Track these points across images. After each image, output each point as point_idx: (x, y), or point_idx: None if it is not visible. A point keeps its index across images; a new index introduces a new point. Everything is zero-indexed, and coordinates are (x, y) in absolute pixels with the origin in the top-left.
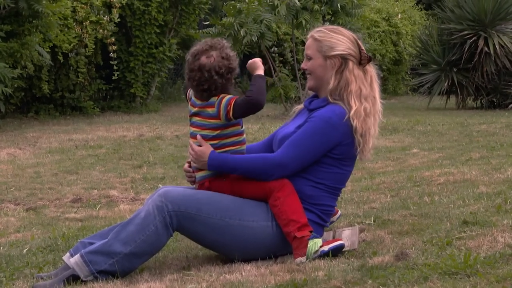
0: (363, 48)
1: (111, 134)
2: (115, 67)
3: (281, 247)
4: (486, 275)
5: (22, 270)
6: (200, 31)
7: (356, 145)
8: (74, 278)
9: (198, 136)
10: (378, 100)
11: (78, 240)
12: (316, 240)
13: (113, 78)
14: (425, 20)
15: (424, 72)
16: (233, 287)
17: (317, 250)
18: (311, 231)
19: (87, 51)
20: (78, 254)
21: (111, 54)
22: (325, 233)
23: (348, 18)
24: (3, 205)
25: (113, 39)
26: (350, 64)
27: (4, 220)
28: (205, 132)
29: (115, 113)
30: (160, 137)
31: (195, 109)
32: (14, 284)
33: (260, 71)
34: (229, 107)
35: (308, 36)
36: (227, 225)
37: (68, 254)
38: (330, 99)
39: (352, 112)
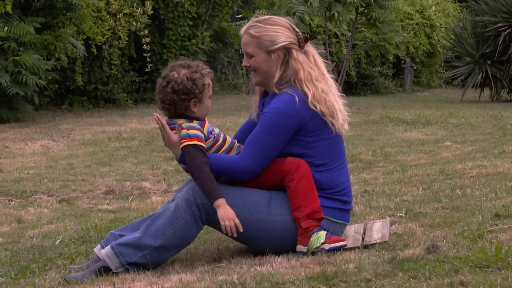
0: (298, 30)
1: (144, 126)
2: (148, 59)
3: None
4: None
5: (55, 261)
6: (233, 23)
7: (326, 122)
8: (106, 269)
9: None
10: (327, 75)
11: (109, 231)
12: (320, 234)
13: (146, 70)
14: (459, 12)
15: (457, 65)
16: (263, 279)
17: (318, 246)
18: (320, 219)
19: (120, 44)
20: (109, 246)
21: (144, 47)
22: (356, 225)
23: (381, 10)
24: (36, 196)
25: (146, 32)
26: (294, 52)
27: (37, 211)
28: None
29: (148, 105)
30: None
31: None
32: (47, 275)
33: (222, 208)
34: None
35: (242, 33)
36: (255, 219)
37: (99, 246)
38: (276, 91)
39: (310, 97)
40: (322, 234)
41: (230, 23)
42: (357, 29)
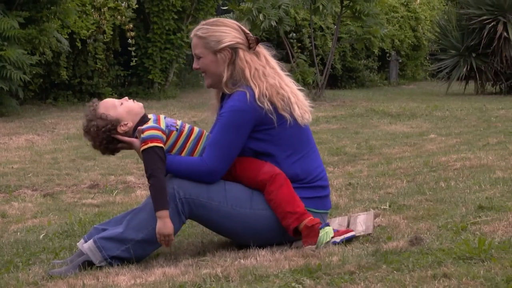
0: (249, 33)
1: None
2: (133, 54)
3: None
4: (501, 260)
5: (39, 255)
6: (218, 16)
7: (282, 114)
8: (89, 263)
9: (139, 127)
10: (282, 72)
11: (93, 226)
12: (327, 229)
13: (131, 64)
14: (444, 5)
15: (442, 58)
16: (247, 272)
17: (328, 241)
18: (319, 222)
19: (105, 38)
20: (91, 240)
21: (129, 41)
22: (340, 218)
23: (367, 3)
24: (20, 190)
25: (131, 25)
26: (240, 52)
27: (21, 205)
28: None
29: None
30: None
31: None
32: (30, 269)
33: (160, 221)
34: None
35: (191, 36)
36: (238, 213)
37: (82, 240)
38: (228, 91)
39: (257, 93)
40: (330, 229)
41: (215, 16)
42: (342, 22)
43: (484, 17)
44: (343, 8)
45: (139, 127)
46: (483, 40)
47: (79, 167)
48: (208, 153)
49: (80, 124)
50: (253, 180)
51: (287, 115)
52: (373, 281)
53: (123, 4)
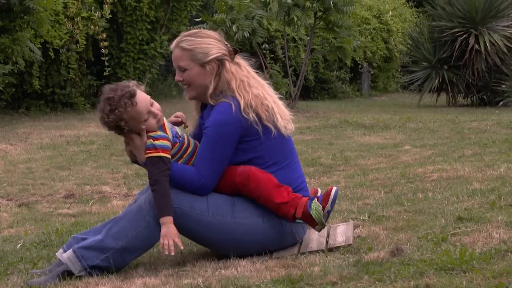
0: (227, 43)
1: (102, 130)
2: (106, 63)
3: (274, 242)
4: (482, 271)
5: (16, 265)
6: (192, 27)
7: (266, 125)
8: (68, 273)
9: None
10: (264, 82)
11: (72, 235)
12: (314, 205)
13: (104, 74)
14: (415, 17)
15: (414, 70)
16: (229, 283)
17: (324, 214)
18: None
19: (78, 47)
20: (71, 250)
21: (102, 50)
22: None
23: (340, 15)
24: None
25: (105, 35)
26: (227, 63)
27: None
28: None
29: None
30: None
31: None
32: (9, 279)
33: (165, 226)
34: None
35: (173, 47)
36: (219, 222)
37: (61, 250)
38: (212, 102)
39: (242, 105)
40: (315, 203)
41: (188, 27)
42: (315, 34)
43: (456, 30)
44: (317, 20)
45: (150, 133)
46: (455, 53)
47: (53, 176)
48: (200, 168)
49: (53, 134)
50: (231, 185)
51: (271, 126)
52: None
53: (96, 14)
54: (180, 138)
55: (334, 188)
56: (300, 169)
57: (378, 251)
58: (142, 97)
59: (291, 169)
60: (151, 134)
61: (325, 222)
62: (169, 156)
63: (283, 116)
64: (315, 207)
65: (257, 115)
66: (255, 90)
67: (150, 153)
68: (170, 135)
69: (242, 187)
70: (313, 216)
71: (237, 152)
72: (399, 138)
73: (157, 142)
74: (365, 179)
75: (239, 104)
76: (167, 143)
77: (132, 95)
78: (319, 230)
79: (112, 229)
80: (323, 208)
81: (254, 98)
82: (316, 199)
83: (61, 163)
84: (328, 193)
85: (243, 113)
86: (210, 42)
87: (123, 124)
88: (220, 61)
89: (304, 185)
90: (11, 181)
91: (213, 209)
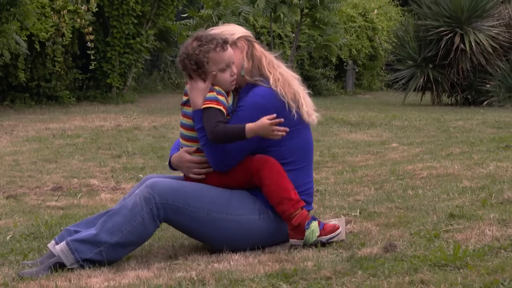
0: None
1: (88, 123)
2: (92, 57)
3: (268, 239)
4: (476, 268)
5: (7, 256)
6: (178, 22)
7: (292, 110)
8: (60, 265)
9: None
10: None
11: (62, 227)
12: (313, 226)
13: (90, 68)
14: (401, 16)
15: (399, 68)
16: (222, 276)
17: (314, 240)
18: (303, 208)
19: (64, 40)
20: (64, 242)
21: (88, 44)
22: None
23: (326, 12)
24: None
25: (91, 29)
26: (255, 44)
27: None
28: (183, 131)
29: (91, 103)
30: (138, 128)
31: (184, 98)
32: (0, 270)
33: (251, 128)
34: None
35: (228, 47)
36: (214, 219)
37: (53, 241)
38: (248, 78)
39: (271, 79)
40: (315, 226)
41: (174, 22)
42: (301, 31)
43: (442, 29)
44: (303, 17)
45: (215, 87)
46: (440, 52)
47: (41, 169)
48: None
49: (39, 127)
50: (245, 168)
51: (296, 111)
52: (350, 287)
53: (82, 7)
54: (230, 115)
55: (339, 230)
56: (311, 174)
57: (371, 247)
58: (231, 51)
59: (304, 172)
60: (216, 87)
61: (307, 245)
62: (225, 113)
63: (307, 104)
64: (314, 229)
65: (281, 93)
66: (282, 70)
67: (212, 104)
68: (228, 104)
69: (256, 172)
70: (307, 235)
71: (261, 141)
72: (385, 136)
73: (220, 97)
74: (354, 175)
75: (268, 81)
76: (226, 103)
77: (226, 41)
78: (294, 245)
79: (106, 224)
80: (320, 235)
81: (281, 77)
82: (317, 221)
83: (47, 156)
84: (333, 229)
85: (280, 96)
86: (234, 27)
87: (204, 61)
88: (248, 41)
89: (310, 190)
90: None
91: (208, 206)
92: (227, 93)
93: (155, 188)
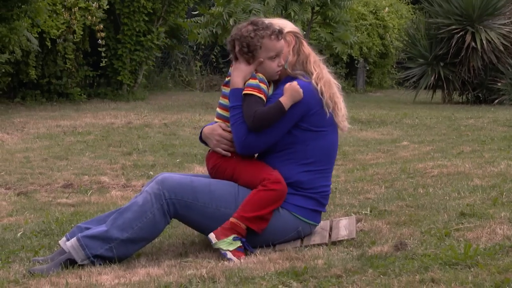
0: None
1: (99, 121)
2: (102, 54)
3: (276, 235)
4: (487, 266)
5: (18, 253)
6: (189, 20)
7: (326, 110)
8: (71, 262)
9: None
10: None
11: (73, 224)
12: (235, 243)
13: (101, 65)
14: (412, 14)
15: (410, 66)
16: (233, 274)
17: (223, 248)
18: (243, 236)
19: (75, 38)
20: (75, 238)
21: (99, 41)
22: (322, 222)
23: (337, 10)
24: None
25: (102, 26)
26: (303, 41)
27: None
28: (219, 111)
29: (102, 100)
30: (149, 125)
31: (227, 79)
32: (11, 267)
33: (285, 99)
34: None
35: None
36: (222, 214)
37: (64, 238)
38: (290, 72)
39: (314, 75)
40: (236, 244)
41: (185, 20)
42: (311, 29)
43: (453, 27)
44: (314, 14)
45: (258, 74)
46: (451, 50)
47: (51, 166)
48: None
49: (50, 124)
50: (257, 175)
51: (328, 109)
52: (360, 285)
53: (93, 5)
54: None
55: (243, 258)
56: (330, 178)
57: (381, 245)
58: (283, 42)
59: (323, 175)
60: (259, 75)
61: (214, 246)
62: (265, 101)
63: (342, 110)
64: (234, 244)
65: (321, 90)
66: (325, 71)
67: (254, 91)
68: (268, 94)
69: (261, 180)
70: (226, 239)
71: (287, 135)
72: (396, 134)
73: (262, 85)
74: (365, 173)
75: (311, 77)
76: (267, 91)
77: (281, 32)
78: (210, 237)
79: (117, 220)
80: (231, 251)
81: (324, 76)
82: (239, 245)
83: (58, 153)
84: (240, 257)
85: (314, 83)
86: (284, 21)
87: (257, 46)
88: (296, 37)
89: (326, 194)
90: (9, 170)
91: (216, 201)
92: (269, 83)
93: (165, 184)
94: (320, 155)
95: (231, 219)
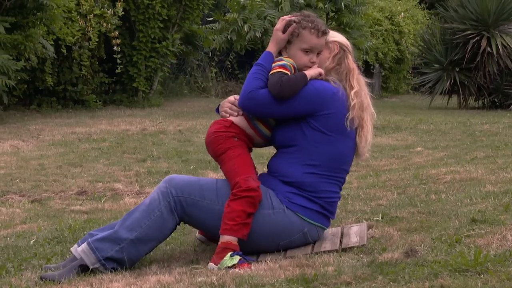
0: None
1: (114, 127)
2: (118, 61)
3: (283, 234)
4: (497, 273)
5: (30, 261)
6: (204, 26)
7: (347, 123)
8: (83, 269)
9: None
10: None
11: (86, 232)
12: (234, 257)
13: (116, 72)
14: (427, 19)
15: (426, 71)
16: (243, 281)
17: (229, 266)
18: (237, 250)
19: (90, 45)
20: (85, 242)
21: (115, 48)
22: (333, 229)
23: (352, 16)
24: (8, 196)
25: (117, 33)
26: (349, 55)
27: (9, 211)
28: None
29: (117, 107)
30: (163, 132)
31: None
32: (23, 275)
33: (311, 71)
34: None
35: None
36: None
37: (76, 245)
38: (323, 76)
39: (353, 91)
40: (236, 259)
41: (200, 26)
42: None
43: (468, 32)
44: (328, 20)
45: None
46: (466, 55)
47: (66, 173)
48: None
49: (65, 131)
50: (234, 174)
51: (349, 131)
52: None
53: (109, 12)
54: None
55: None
56: (338, 186)
57: (392, 252)
58: (323, 42)
59: (326, 182)
60: (290, 59)
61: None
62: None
63: (367, 139)
64: (234, 259)
65: (354, 104)
66: (366, 93)
67: (280, 69)
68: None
69: (234, 185)
70: (226, 258)
71: (296, 130)
72: (410, 140)
73: (290, 66)
74: (377, 180)
75: (349, 90)
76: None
77: (325, 32)
78: (210, 267)
79: (126, 221)
80: (235, 266)
81: (365, 99)
82: (239, 258)
83: (73, 160)
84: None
85: (350, 97)
86: (338, 34)
87: (295, 33)
88: (342, 48)
89: (332, 201)
90: (23, 177)
91: (222, 198)
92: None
93: (172, 183)
94: (326, 161)
95: (219, 243)
